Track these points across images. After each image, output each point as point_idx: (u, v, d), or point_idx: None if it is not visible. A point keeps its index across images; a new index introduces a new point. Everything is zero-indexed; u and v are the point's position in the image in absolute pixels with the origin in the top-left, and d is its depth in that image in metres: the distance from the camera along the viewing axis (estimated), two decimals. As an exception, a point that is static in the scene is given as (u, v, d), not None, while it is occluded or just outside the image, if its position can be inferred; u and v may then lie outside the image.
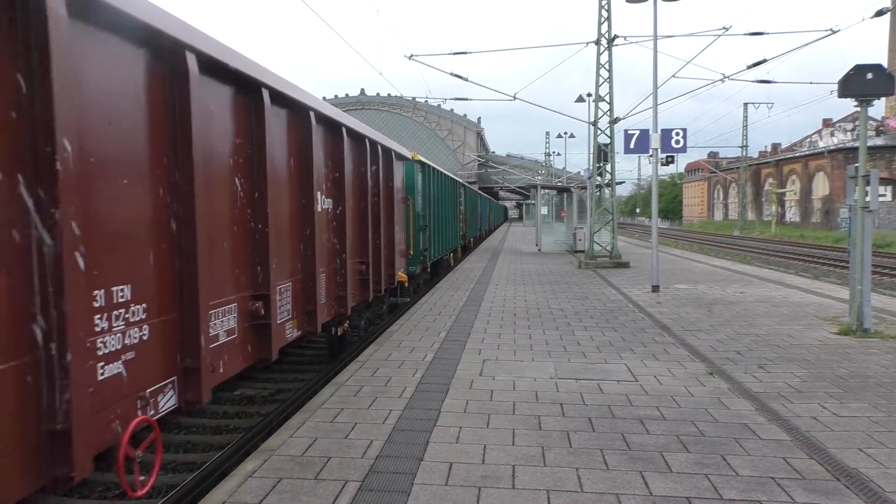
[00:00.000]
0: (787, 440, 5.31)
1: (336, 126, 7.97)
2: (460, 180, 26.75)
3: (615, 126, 22.39)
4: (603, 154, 22.69)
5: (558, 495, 4.30)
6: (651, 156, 16.00)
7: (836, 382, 7.04)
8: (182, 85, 4.39)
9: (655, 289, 14.69)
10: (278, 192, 6.09)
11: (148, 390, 4.07)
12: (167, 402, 4.31)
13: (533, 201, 49.76)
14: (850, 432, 5.48)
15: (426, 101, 59.27)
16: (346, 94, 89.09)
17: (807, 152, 66.57)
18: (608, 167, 22.89)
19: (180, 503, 5.29)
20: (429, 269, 17.26)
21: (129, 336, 3.89)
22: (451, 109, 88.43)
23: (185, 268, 4.47)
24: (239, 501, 4.25)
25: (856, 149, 10.81)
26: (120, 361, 3.79)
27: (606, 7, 21.64)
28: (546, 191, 37.15)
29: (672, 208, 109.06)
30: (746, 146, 65.27)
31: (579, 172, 62.16)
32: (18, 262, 3.10)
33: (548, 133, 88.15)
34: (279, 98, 6.05)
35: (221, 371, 5.01)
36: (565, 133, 50.68)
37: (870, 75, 9.39)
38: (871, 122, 54.85)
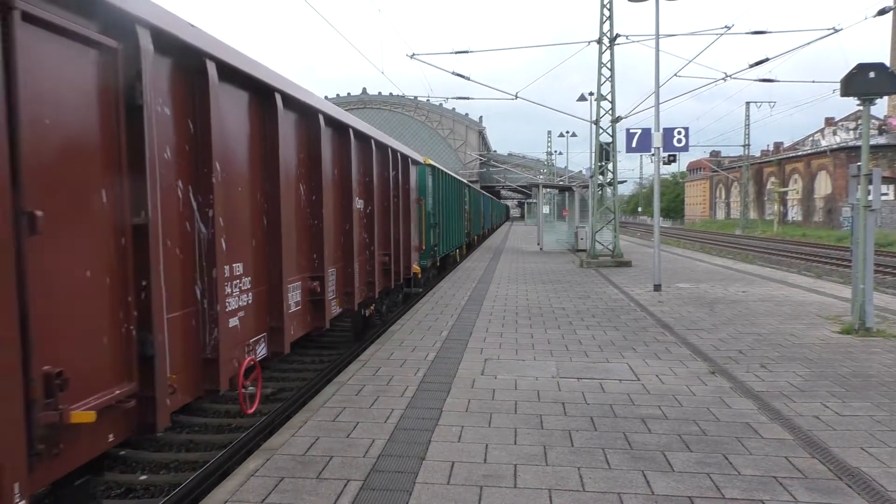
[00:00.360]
0: (789, 439, 5.31)
1: (366, 139, 9.48)
2: (465, 181, 28.54)
3: (617, 125, 22.38)
4: (605, 153, 22.68)
5: (560, 494, 4.30)
6: (653, 154, 15.98)
7: (839, 381, 7.03)
8: (272, 121, 6.03)
9: (657, 288, 14.68)
10: (329, 195, 7.64)
11: (251, 340, 5.60)
12: (261, 350, 5.84)
13: (535, 200, 49.77)
14: (852, 431, 5.48)
15: (428, 101, 59.31)
16: (349, 94, 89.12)
17: (809, 151, 66.48)
18: (610, 166, 22.88)
19: (182, 502, 5.30)
20: (438, 263, 18.62)
21: (241, 300, 5.37)
22: (453, 108, 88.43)
23: (272, 252, 6.03)
24: (241, 500, 4.25)
25: (858, 147, 10.82)
26: (237, 317, 5.26)
27: (608, 6, 21.63)
28: (548, 190, 37.11)
29: (674, 207, 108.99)
30: (749, 145, 65.18)
31: (581, 171, 62.15)
32: (188, 244, 4.64)
33: (549, 132, 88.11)
34: (330, 121, 7.71)
35: (292, 332, 6.48)
36: (567, 132, 50.69)
37: (872, 74, 9.37)
38: (873, 120, 54.69)
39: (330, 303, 7.68)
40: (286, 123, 6.38)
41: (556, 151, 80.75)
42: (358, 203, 9.01)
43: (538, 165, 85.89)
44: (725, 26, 18.93)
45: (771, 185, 71.44)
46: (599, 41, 21.97)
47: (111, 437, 3.78)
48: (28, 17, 3.06)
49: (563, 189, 36.00)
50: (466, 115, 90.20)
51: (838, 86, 9.83)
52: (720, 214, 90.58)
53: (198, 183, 4.71)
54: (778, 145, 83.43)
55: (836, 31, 18.46)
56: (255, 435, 6.79)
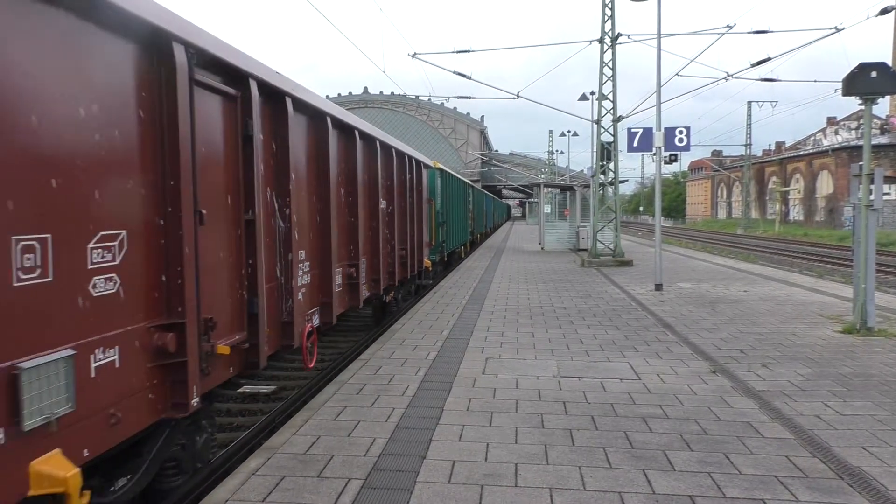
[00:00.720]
0: (790, 438, 5.31)
1: (388, 148, 10.84)
2: (469, 182, 29.81)
3: (618, 124, 22.37)
4: (606, 152, 22.67)
5: (561, 493, 4.31)
6: (654, 154, 15.98)
7: (840, 381, 7.03)
8: (324, 138, 7.53)
9: (658, 287, 14.67)
10: (361, 198, 9.09)
11: (310, 311, 7.06)
12: (316, 320, 7.29)
13: (536, 200, 49.80)
14: (853, 431, 5.48)
15: (429, 100, 59.30)
16: (350, 93, 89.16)
17: (811, 151, 66.43)
18: (611, 165, 22.87)
19: (184, 501, 5.30)
20: (445, 259, 19.98)
21: (303, 279, 6.77)
22: (455, 108, 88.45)
23: (324, 243, 7.51)
24: (242, 499, 4.26)
25: (860, 147, 10.80)
26: (301, 292, 6.66)
27: (610, 5, 21.61)
28: (549, 189, 37.10)
29: (675, 207, 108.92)
30: (750, 144, 65.17)
31: (582, 171, 62.09)
32: (272, 234, 6.01)
33: (551, 131, 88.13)
34: (362, 135, 9.15)
35: (337, 308, 7.90)
36: (569, 131, 50.67)
37: (874, 73, 9.36)
38: (875, 120, 54.71)
39: (362, 286, 9.22)
40: (332, 139, 7.80)
41: (557, 151, 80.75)
42: (382, 203, 10.37)
43: (539, 165, 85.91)
44: (727, 26, 18.94)
45: (772, 185, 71.38)
46: (601, 40, 21.96)
47: (231, 370, 5.26)
48: (198, 83, 4.56)
49: (564, 188, 35.99)
50: (468, 114, 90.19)
51: (840, 85, 9.81)
52: (722, 214, 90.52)
53: (279, 189, 6.14)
54: (780, 145, 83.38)
55: (838, 30, 18.46)
56: (257, 434, 6.80)
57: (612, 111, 22.38)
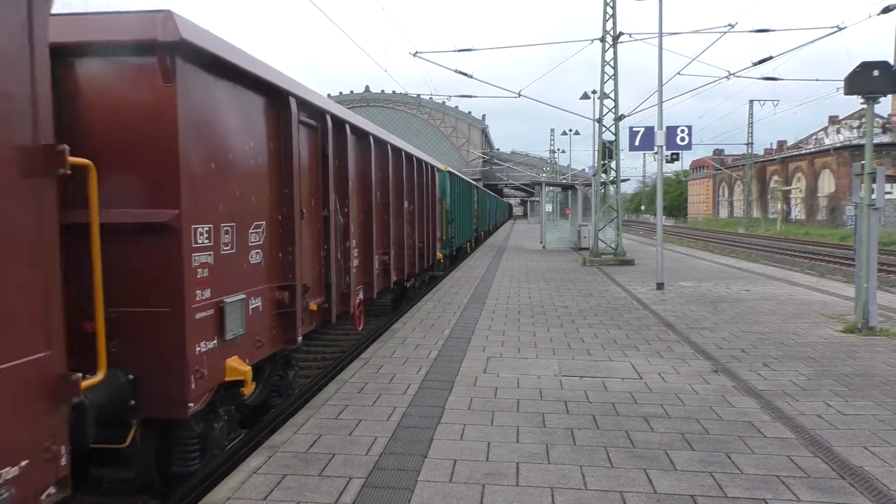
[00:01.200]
0: (791, 438, 5.30)
1: (410, 157, 12.95)
2: (473, 183, 31.95)
3: (620, 123, 22.35)
4: (608, 151, 22.65)
5: (562, 493, 4.30)
6: (656, 153, 15.96)
7: (842, 380, 7.02)
8: (367, 152, 9.49)
9: (660, 286, 14.66)
10: (392, 199, 11.08)
11: (358, 287, 8.91)
12: (362, 294, 9.18)
13: (537, 198, 49.80)
14: (855, 430, 5.47)
15: (431, 99, 59.26)
16: (351, 91, 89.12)
17: (812, 150, 66.39)
18: (613, 164, 22.85)
19: (185, 499, 5.30)
20: (454, 253, 22.20)
21: (355, 262, 8.62)
22: (456, 106, 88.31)
23: (367, 235, 9.45)
24: (243, 498, 4.26)
25: (862, 146, 10.78)
26: (354, 272, 8.49)
27: (611, 4, 21.58)
28: (550, 188, 37.08)
29: (677, 206, 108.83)
30: (752, 143, 65.10)
31: (584, 169, 62.06)
32: (337, 228, 7.64)
33: (552, 130, 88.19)
34: (393, 148, 11.19)
35: (375, 287, 9.91)
36: (570, 130, 50.64)
37: (876, 72, 9.34)
38: (877, 119, 54.60)
39: (392, 272, 11.14)
40: (373, 152, 9.68)
41: (558, 149, 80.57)
42: (406, 204, 12.42)
43: (541, 163, 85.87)
44: (729, 24, 18.91)
45: (774, 184, 71.32)
46: (603, 39, 21.93)
47: (314, 323, 7.17)
48: (300, 121, 6.55)
49: (565, 187, 35.97)
50: (469, 113, 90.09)
51: (842, 84, 9.80)
52: (723, 213, 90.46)
53: (341, 193, 7.99)
54: (781, 144, 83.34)
55: (840, 29, 18.44)
56: (258, 432, 6.80)
57: (613, 110, 22.36)
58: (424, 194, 14.53)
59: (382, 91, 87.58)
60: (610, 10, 21.67)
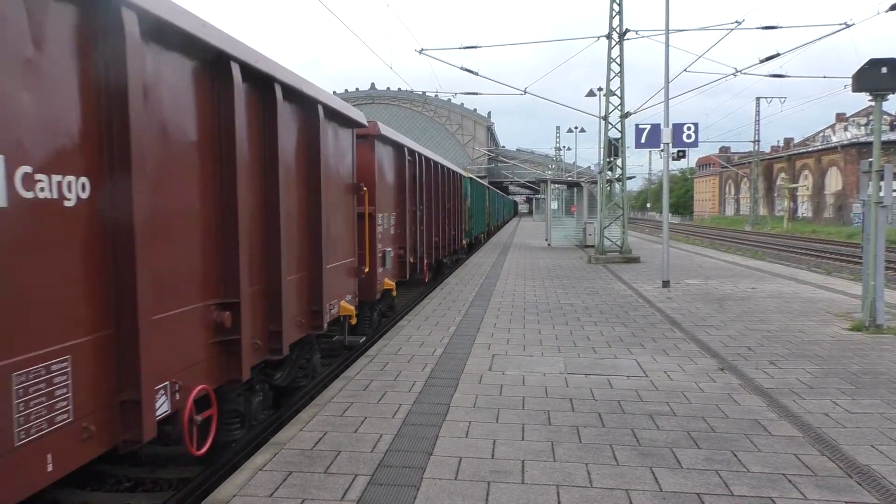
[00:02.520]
0: (798, 436, 5.28)
1: (447, 169, 17.81)
2: (486, 185, 38.92)
3: (626, 120, 22.28)
4: (614, 148, 22.59)
5: (568, 490, 4.30)
6: (662, 150, 15.91)
7: (849, 379, 6.99)
8: (430, 168, 14.85)
9: (666, 284, 14.63)
10: (441, 200, 16.15)
11: (425, 259, 13.93)
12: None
13: (543, 196, 49.72)
14: (862, 429, 5.45)
15: (436, 96, 59.14)
16: (357, 89, 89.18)
17: (820, 147, 66.10)
18: (619, 162, 22.79)
19: (191, 496, 5.32)
20: (472, 241, 27.88)
21: (424, 239, 13.90)
22: (462, 104, 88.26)
23: (430, 225, 14.66)
24: (249, 495, 4.27)
25: (869, 143, 10.74)
26: (423, 246, 13.83)
27: (618, 1, 21.51)
28: (556, 185, 37.03)
29: (683, 203, 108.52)
30: (758, 141, 64.87)
31: (590, 167, 61.95)
32: (416, 218, 13.26)
33: (558, 127, 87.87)
34: (438, 163, 15.82)
35: (433, 257, 15.12)
36: (576, 128, 50.52)
37: (884, 69, 9.29)
38: (885, 116, 54.30)
39: (441, 250, 16.83)
40: (432, 170, 14.60)
41: (564, 147, 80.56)
42: (445, 204, 17.47)
43: (546, 161, 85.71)
44: (736, 21, 18.82)
45: (781, 181, 71.03)
46: (609, 36, 21.87)
47: (393, 294, 11.45)
48: (411, 152, 12.67)
49: (571, 185, 35.90)
50: (475, 110, 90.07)
51: (850, 81, 9.75)
52: (729, 210, 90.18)
53: (419, 197, 12.89)
54: (788, 141, 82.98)
55: (848, 25, 18.32)
56: (264, 430, 6.81)
57: (619, 107, 22.29)
58: (454, 196, 19.93)
59: (388, 88, 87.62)
60: (616, 7, 21.59)
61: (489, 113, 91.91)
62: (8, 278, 3.06)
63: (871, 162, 9.58)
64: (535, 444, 5.13)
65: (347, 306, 8.03)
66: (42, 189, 3.26)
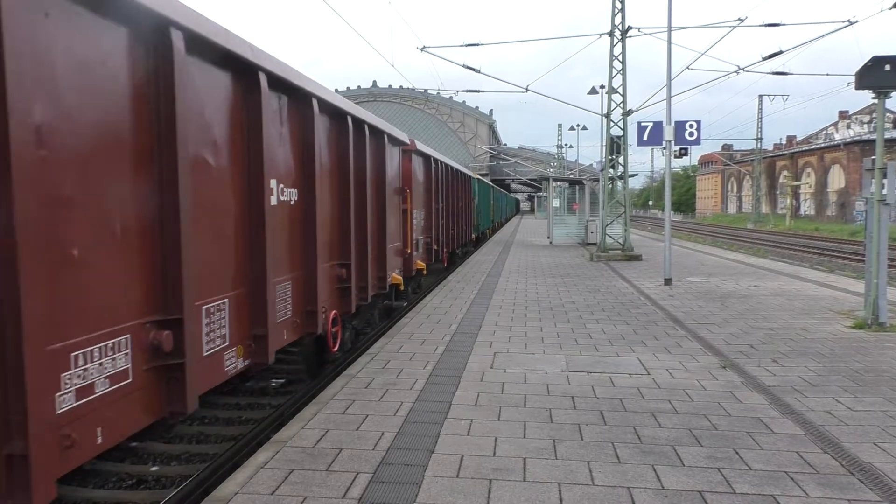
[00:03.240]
0: (800, 434, 5.27)
1: (461, 172, 21.11)
2: (490, 183, 41.70)
3: (628, 118, 22.25)
4: (616, 146, 22.56)
5: (569, 488, 4.30)
6: (664, 148, 15.89)
7: (851, 376, 6.98)
8: (452, 174, 18.78)
9: (668, 282, 14.61)
10: (457, 200, 19.49)
11: (445, 247, 17.12)
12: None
13: (545, 194, 49.73)
14: (864, 427, 5.44)
15: (438, 94, 59.11)
16: (359, 86, 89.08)
17: (822, 145, 65.98)
18: (621, 159, 22.77)
19: (193, 494, 5.33)
20: (479, 236, 30.82)
21: (443, 231, 16.65)
22: (464, 101, 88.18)
23: (448, 219, 17.62)
24: (251, 492, 4.27)
25: (872, 141, 10.70)
26: (442, 237, 16.46)
27: (620, -2, 21.45)
28: (558, 183, 36.99)
29: (685, 201, 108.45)
30: (761, 138, 64.75)
31: (591, 164, 61.87)
32: (438, 213, 15.88)
33: (560, 125, 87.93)
34: (453, 168, 19.09)
35: (451, 246, 18.48)
36: (578, 125, 50.50)
37: (888, 67, 9.25)
38: (888, 114, 54.18)
39: (455, 241, 19.12)
40: (449, 174, 17.35)
41: (566, 145, 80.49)
42: (458, 202, 20.26)
43: (548, 159, 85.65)
44: (739, 18, 18.75)
45: (783, 179, 70.93)
46: (611, 34, 21.83)
47: (423, 273, 14.06)
48: (437, 162, 15.81)
49: (573, 182, 35.89)
50: (477, 108, 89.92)
51: (853, 79, 9.72)
52: (732, 208, 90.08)
53: (438, 196, 15.37)
54: (791, 139, 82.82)
55: (851, 23, 18.25)
56: (266, 427, 6.82)
57: (621, 105, 22.26)
58: (465, 195, 22.91)
59: (390, 86, 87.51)
60: (619, 5, 21.55)
61: (491, 111, 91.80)
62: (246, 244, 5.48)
63: (874, 159, 9.55)
64: (536, 441, 5.13)
65: (397, 277, 11.06)
66: (284, 196, 6.19)
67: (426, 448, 4.99)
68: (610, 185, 23.10)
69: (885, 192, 9.39)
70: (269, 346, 5.63)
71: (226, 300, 5.08)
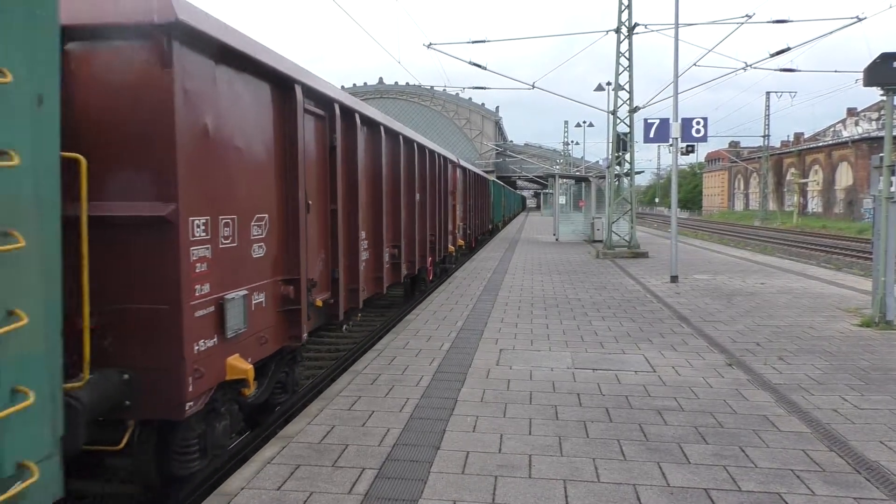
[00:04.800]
0: (807, 432, 5.26)
1: (481, 176, 28.66)
2: (501, 184, 47.13)
3: (635, 115, 22.19)
4: (622, 143, 22.50)
5: (575, 485, 4.30)
6: (671, 145, 15.84)
7: (858, 375, 6.96)
8: (478, 180, 27.00)
9: (674, 279, 14.58)
10: (474, 198, 24.22)
11: (466, 235, 21.36)
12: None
13: (551, 191, 49.82)
14: (871, 425, 5.42)
15: (444, 90, 59.06)
16: (365, 83, 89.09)
17: (830, 142, 65.63)
18: (627, 156, 22.72)
19: (199, 489, 5.35)
20: (493, 226, 35.88)
21: (461, 225, 19.70)
22: (470, 98, 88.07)
23: (463, 215, 20.38)
24: (257, 488, 4.29)
25: (881, 138, 10.62)
26: (460, 233, 19.41)
27: (627, -6, 21.38)
28: (564, 180, 36.96)
29: (692, 198, 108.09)
30: (768, 135, 64.52)
31: (598, 162, 61.74)
32: (454, 210, 18.29)
33: (566, 122, 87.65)
34: (478, 174, 27.30)
35: (476, 234, 25.20)
36: (584, 122, 50.37)
37: (896, 63, 9.20)
38: (896, 110, 53.79)
39: (478, 230, 25.29)
40: (473, 178, 23.62)
41: (572, 141, 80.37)
42: (479, 200, 25.57)
43: (554, 156, 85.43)
44: (746, 15, 18.66)
45: (791, 176, 70.63)
46: (618, 30, 21.76)
47: (462, 248, 19.83)
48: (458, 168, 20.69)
49: (579, 179, 35.84)
50: (483, 104, 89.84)
51: (861, 75, 9.67)
52: (739, 205, 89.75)
53: (461, 197, 19.81)
54: (798, 136, 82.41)
55: (860, 19, 18.15)
56: (272, 423, 6.84)
57: (628, 101, 22.19)
58: (485, 194, 29.42)
59: (396, 83, 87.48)
60: (625, 1, 21.48)
61: (497, 107, 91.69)
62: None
63: (882, 157, 9.51)
64: (542, 438, 5.13)
65: (452, 248, 16.11)
66: (417, 197, 12.30)
67: (432, 444, 5.01)
68: (616, 182, 23.05)
69: (893, 189, 9.34)
70: (385, 284, 9.94)
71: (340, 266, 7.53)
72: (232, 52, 4.82)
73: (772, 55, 19.95)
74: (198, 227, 4.39)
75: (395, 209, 10.43)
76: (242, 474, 4.51)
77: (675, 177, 16.28)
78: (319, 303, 6.76)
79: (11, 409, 2.69)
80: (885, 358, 7.68)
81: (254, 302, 5.27)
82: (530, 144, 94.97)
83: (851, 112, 71.77)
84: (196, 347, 4.34)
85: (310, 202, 6.46)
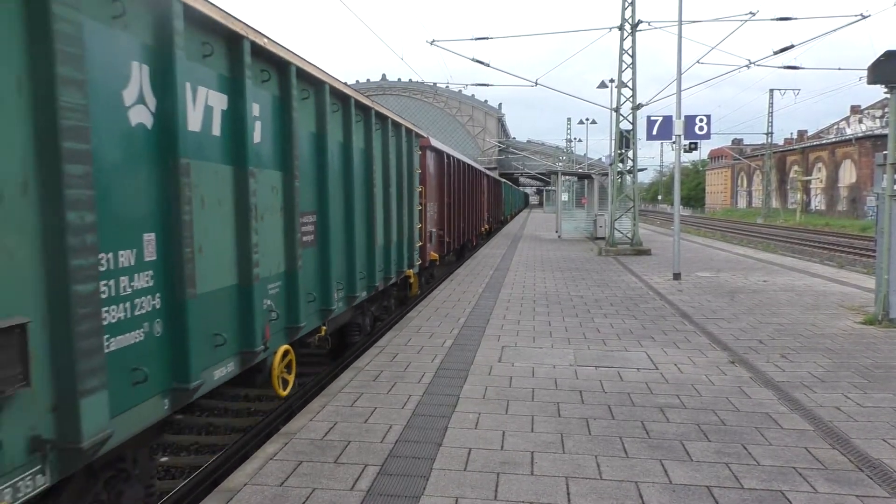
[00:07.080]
0: (809, 430, 5.26)
1: (495, 179, 39.20)
2: (509, 182, 53.95)
3: (638, 112, 22.15)
4: (625, 140, 22.48)
5: (577, 482, 4.30)
6: (674, 142, 15.81)
7: (860, 372, 6.95)
8: (490, 182, 33.59)
9: (677, 276, 14.57)
10: (490, 195, 33.41)
11: (481, 229, 28.39)
12: (488, 226, 32.18)
13: (553, 188, 49.98)
14: (873, 423, 5.42)
15: (447, 87, 59.00)
16: (368, 80, 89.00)
17: (834, 139, 65.45)
18: (630, 154, 22.69)
19: (202, 485, 5.37)
20: (503, 219, 43.55)
21: (486, 217, 31.01)
22: (472, 95, 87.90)
23: (489, 207, 32.86)
24: (260, 484, 4.30)
25: (884, 136, 10.58)
26: (487, 223, 30.22)
27: (630, -9, 21.33)
28: (566, 177, 36.92)
29: (695, 196, 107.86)
30: (772, 133, 64.31)
31: (600, 159, 61.66)
32: (464, 206, 21.50)
33: (569, 119, 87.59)
34: (494, 178, 39.59)
35: (485, 227, 29.99)
36: (587, 119, 50.28)
37: (900, 60, 9.16)
38: (900, 108, 53.56)
39: (495, 218, 36.96)
40: (491, 181, 34.03)
41: (575, 138, 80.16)
42: (494, 196, 35.35)
43: (557, 153, 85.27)
44: (750, 12, 18.63)
45: (794, 174, 70.46)
46: (621, 27, 21.72)
47: (489, 230, 32.24)
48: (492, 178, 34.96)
49: (582, 176, 35.79)
50: (485, 101, 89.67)
51: (865, 73, 9.64)
52: (742, 203, 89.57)
53: (492, 194, 33.66)
54: (801, 133, 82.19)
55: (864, 17, 18.11)
56: (275, 419, 6.86)
57: (631, 99, 22.16)
58: (498, 192, 36.89)
59: (399, 79, 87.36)
60: (628, -2, 21.42)
61: (500, 104, 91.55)
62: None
63: (885, 155, 9.48)
64: (544, 435, 5.14)
65: (486, 226, 26.54)
66: (448, 204, 18.65)
67: (434, 441, 5.01)
68: (619, 180, 23.02)
69: (896, 187, 9.31)
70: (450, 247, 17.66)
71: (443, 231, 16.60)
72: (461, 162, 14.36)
73: (775, 52, 19.92)
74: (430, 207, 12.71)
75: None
76: (245, 470, 4.53)
77: (677, 174, 16.25)
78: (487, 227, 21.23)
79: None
80: (888, 356, 7.67)
81: (435, 234, 13.28)
82: (533, 141, 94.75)
83: (855, 109, 71.53)
84: (428, 246, 13.00)
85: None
